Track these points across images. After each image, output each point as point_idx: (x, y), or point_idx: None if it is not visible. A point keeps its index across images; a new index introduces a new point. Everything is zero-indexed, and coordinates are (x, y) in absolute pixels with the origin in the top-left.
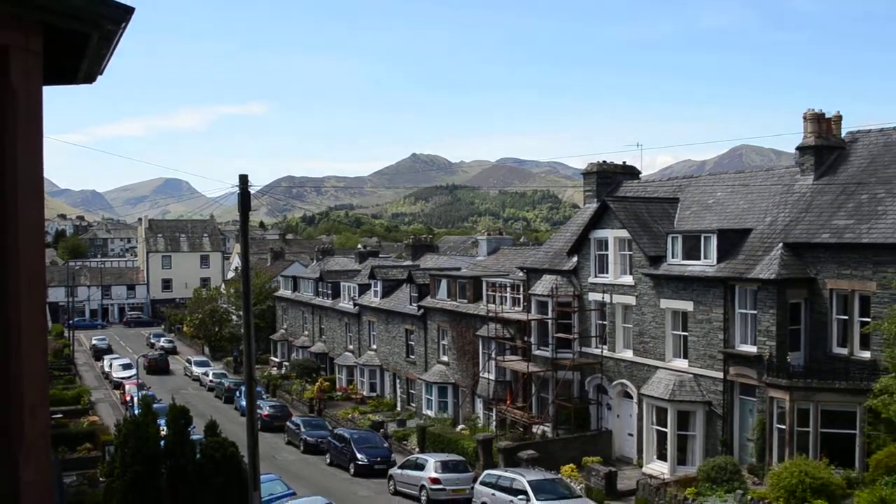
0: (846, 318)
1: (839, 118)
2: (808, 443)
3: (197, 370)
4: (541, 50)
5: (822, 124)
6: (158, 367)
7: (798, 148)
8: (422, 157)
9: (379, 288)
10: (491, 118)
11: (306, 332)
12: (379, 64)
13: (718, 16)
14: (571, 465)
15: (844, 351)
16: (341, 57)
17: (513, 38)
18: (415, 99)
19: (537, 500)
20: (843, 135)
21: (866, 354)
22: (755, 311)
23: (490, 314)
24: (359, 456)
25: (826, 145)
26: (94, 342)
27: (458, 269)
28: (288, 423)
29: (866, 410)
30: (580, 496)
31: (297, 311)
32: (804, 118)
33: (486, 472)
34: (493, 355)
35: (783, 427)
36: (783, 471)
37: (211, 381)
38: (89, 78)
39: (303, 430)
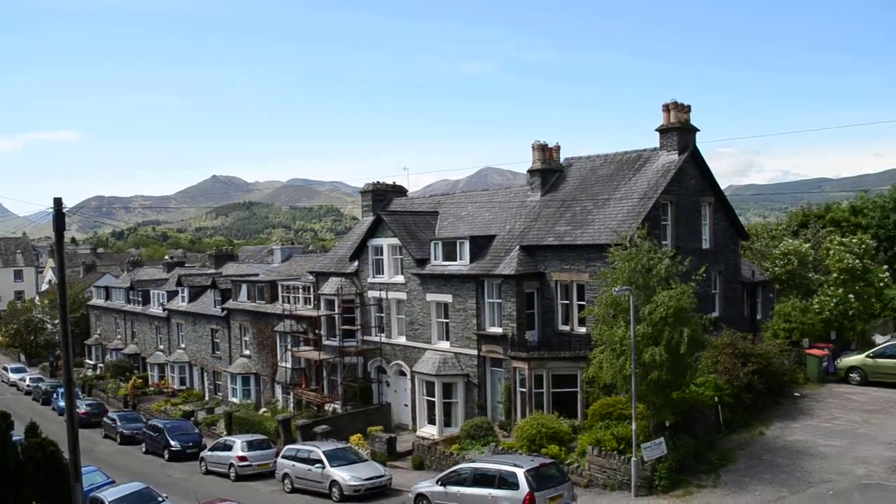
0: (567, 302)
1: (558, 147)
2: (543, 401)
3: (13, 376)
4: (325, 85)
5: (546, 152)
6: None
7: (529, 171)
8: (221, 178)
9: (186, 294)
10: (281, 144)
11: (119, 336)
12: (174, 96)
13: (474, 65)
14: (359, 434)
15: (567, 328)
16: (142, 89)
17: (299, 73)
18: (214, 126)
19: (331, 466)
20: (561, 160)
21: (583, 330)
22: (500, 300)
23: (286, 312)
24: (172, 443)
25: (549, 169)
26: None
27: (257, 274)
28: (105, 419)
29: (585, 375)
30: (367, 459)
31: (110, 317)
32: (532, 147)
33: (287, 446)
34: (290, 347)
35: (524, 390)
36: (525, 424)
37: (28, 385)
38: None
39: (119, 423)
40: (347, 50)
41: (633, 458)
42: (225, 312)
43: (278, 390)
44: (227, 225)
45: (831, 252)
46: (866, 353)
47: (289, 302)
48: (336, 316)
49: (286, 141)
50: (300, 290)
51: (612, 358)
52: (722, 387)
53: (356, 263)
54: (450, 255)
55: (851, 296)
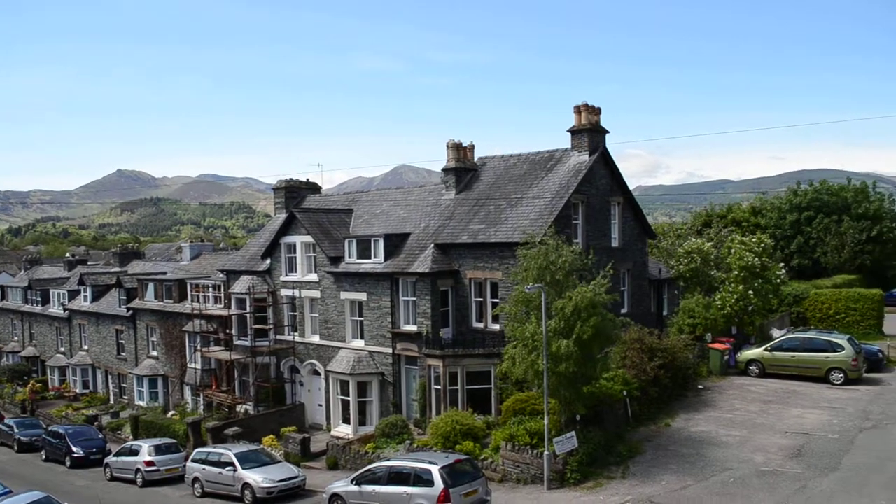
0: (481, 300)
1: (473, 146)
2: (457, 398)
3: None
4: (237, 81)
5: (460, 151)
6: None
7: (443, 169)
8: (127, 173)
9: (89, 293)
10: (191, 138)
11: (16, 338)
12: (81, 83)
13: (390, 63)
14: (272, 436)
15: (481, 325)
16: (41, 74)
17: (210, 68)
18: (120, 118)
19: (243, 468)
20: (475, 159)
21: (497, 327)
22: (415, 298)
23: (195, 312)
24: (74, 449)
25: (463, 167)
26: None
27: (165, 273)
28: (1, 426)
29: (498, 371)
30: (280, 461)
31: (6, 318)
32: (447, 146)
33: (197, 450)
34: (199, 347)
35: (439, 387)
36: (440, 421)
37: None
38: None
39: (16, 430)
40: (262, 45)
41: (546, 453)
42: (131, 312)
43: (187, 392)
44: (132, 221)
45: (732, 251)
46: (764, 346)
47: (198, 301)
48: (248, 315)
49: (196, 135)
50: (210, 289)
51: (525, 353)
52: (630, 381)
53: (268, 261)
54: (364, 252)
55: (751, 292)
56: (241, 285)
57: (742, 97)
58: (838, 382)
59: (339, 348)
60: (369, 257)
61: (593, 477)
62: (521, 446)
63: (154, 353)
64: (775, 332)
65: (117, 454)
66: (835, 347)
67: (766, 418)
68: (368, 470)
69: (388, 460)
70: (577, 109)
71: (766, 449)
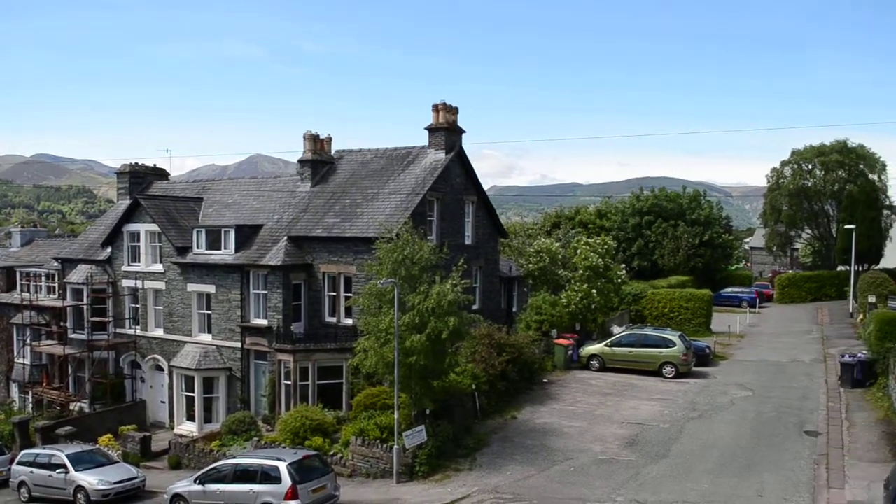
0: (335, 294)
1: (330, 139)
2: (308, 393)
3: None
4: (83, 54)
5: (317, 143)
6: None
7: (299, 161)
8: None
9: None
10: (25, 115)
11: None
12: None
13: (247, 49)
14: (109, 435)
15: (334, 319)
16: None
17: (50, 40)
18: None
19: (76, 471)
20: (333, 152)
21: (349, 321)
22: (266, 291)
23: (25, 302)
24: None
25: (320, 160)
26: None
27: None
28: None
29: (350, 364)
30: (118, 461)
31: None
32: (304, 137)
33: (24, 451)
34: (29, 341)
35: (289, 383)
36: (289, 417)
37: None
38: None
39: None
40: (106, 20)
41: (395, 447)
42: None
43: (14, 390)
44: None
45: (578, 251)
46: (605, 342)
47: (29, 291)
48: (85, 307)
49: (30, 111)
50: (43, 278)
51: (377, 346)
52: (479, 375)
53: (109, 250)
54: (214, 243)
55: (594, 291)
56: (77, 275)
57: (594, 97)
58: (670, 376)
59: (185, 342)
60: (219, 248)
61: (442, 469)
62: (371, 441)
63: None
64: (615, 329)
65: None
66: (668, 343)
67: (605, 410)
68: (213, 468)
69: (235, 458)
70: (436, 108)
71: (604, 439)
